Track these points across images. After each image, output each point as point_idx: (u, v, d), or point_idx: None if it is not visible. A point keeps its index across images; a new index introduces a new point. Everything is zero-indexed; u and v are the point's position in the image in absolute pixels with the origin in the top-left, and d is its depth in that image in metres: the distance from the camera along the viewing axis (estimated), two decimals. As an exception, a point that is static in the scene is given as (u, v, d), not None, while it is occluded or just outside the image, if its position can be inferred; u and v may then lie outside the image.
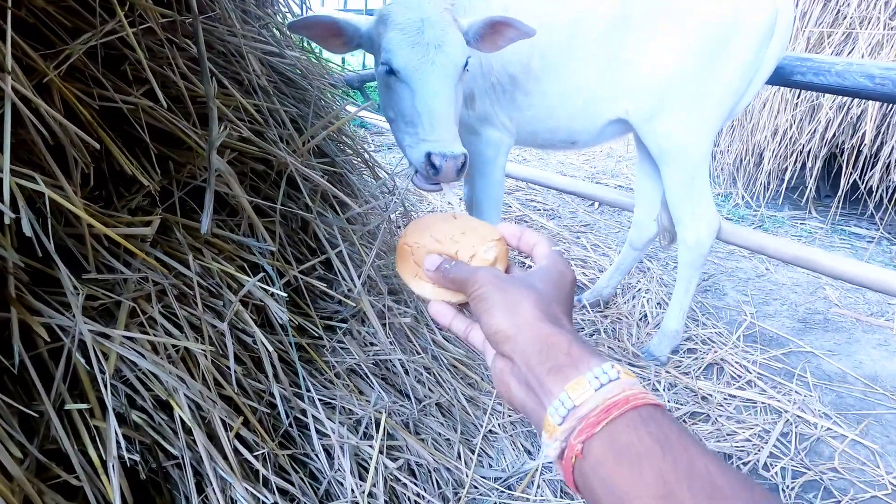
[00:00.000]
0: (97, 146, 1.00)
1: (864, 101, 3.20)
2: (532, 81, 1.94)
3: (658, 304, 2.70)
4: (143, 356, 1.05)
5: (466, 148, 2.20)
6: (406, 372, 1.71)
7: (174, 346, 1.10)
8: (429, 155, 1.31)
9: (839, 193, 3.52)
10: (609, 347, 2.29)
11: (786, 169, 3.77)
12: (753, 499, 0.39)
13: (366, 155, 2.19)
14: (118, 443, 0.98)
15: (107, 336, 1.03)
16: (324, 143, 2.03)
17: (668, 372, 2.23)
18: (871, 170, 3.46)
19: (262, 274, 1.25)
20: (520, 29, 1.52)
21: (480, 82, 1.97)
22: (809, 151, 3.54)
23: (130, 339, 1.05)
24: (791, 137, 3.59)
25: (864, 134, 3.28)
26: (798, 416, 2.04)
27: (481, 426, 1.78)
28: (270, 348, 1.23)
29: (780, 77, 1.94)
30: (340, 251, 1.64)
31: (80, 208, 0.96)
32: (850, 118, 3.38)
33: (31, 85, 0.92)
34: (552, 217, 3.78)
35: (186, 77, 1.21)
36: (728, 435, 1.94)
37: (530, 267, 0.65)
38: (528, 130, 2.07)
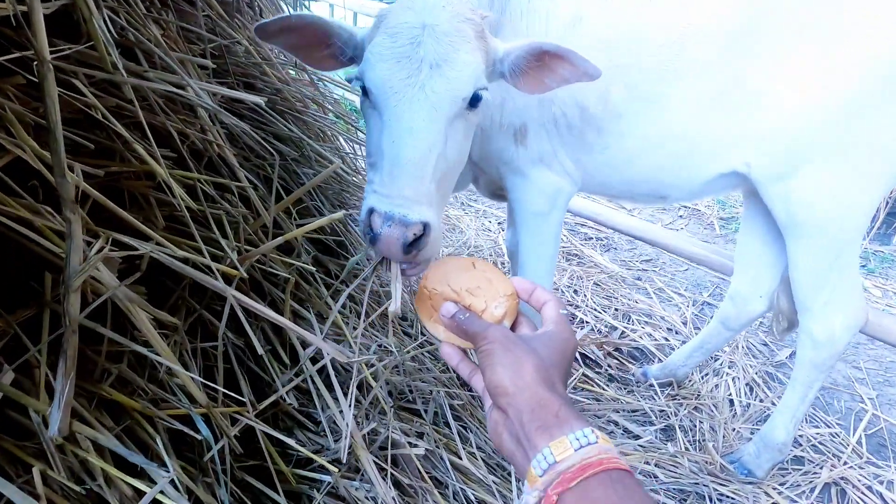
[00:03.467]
0: None
1: None
2: (610, 117, 1.40)
3: (748, 385, 2.12)
4: None
5: (511, 194, 1.70)
6: (417, 532, 1.23)
7: None
8: (370, 211, 0.93)
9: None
10: (691, 461, 1.74)
11: (898, 195, 3.08)
12: None
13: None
14: None
15: None
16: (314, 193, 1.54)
17: (767, 495, 1.68)
18: None
19: (165, 482, 0.77)
20: (579, 67, 1.05)
21: (537, 112, 1.45)
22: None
23: None
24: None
25: None
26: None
27: None
28: None
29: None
30: (325, 368, 1.16)
31: None
32: None
33: None
34: (606, 249, 3.21)
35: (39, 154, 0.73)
36: None
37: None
38: (599, 179, 1.54)
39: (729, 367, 2.19)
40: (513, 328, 0.73)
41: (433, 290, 0.76)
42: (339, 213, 0.90)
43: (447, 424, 1.55)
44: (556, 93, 1.44)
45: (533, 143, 1.50)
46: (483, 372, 0.64)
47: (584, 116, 1.44)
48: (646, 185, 1.51)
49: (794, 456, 1.82)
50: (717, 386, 2.10)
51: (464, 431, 1.60)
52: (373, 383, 1.26)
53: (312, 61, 1.12)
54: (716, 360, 2.22)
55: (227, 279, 1.00)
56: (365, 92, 1.02)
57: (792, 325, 1.67)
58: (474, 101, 1.02)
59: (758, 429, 1.90)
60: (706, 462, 1.75)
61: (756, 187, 1.38)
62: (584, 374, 2.12)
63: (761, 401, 2.03)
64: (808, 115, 1.25)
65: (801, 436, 1.88)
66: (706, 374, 2.17)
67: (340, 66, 1.12)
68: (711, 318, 2.55)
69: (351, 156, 1.82)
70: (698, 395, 2.05)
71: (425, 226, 0.92)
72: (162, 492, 0.79)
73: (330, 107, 1.65)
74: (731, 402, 2.04)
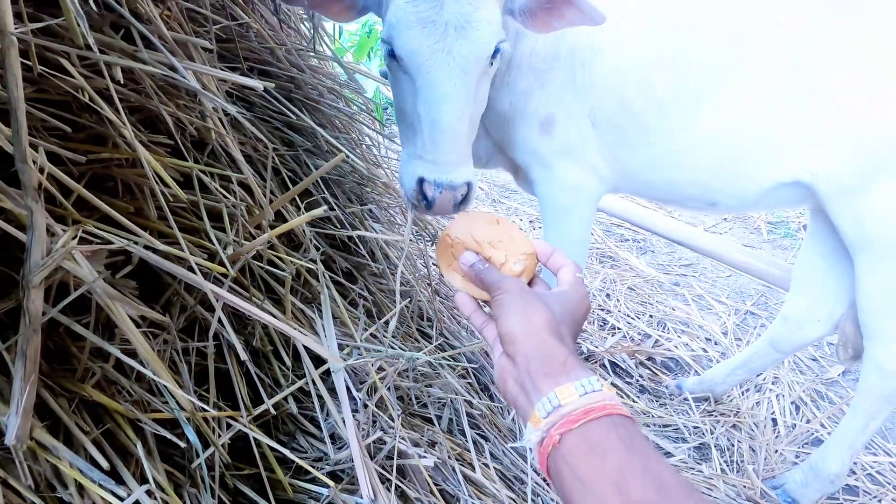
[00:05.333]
0: None
1: None
2: (654, 113, 1.29)
3: (794, 403, 1.95)
4: None
5: (535, 186, 1.59)
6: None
7: None
8: (421, 181, 1.06)
9: None
10: (727, 484, 1.60)
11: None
12: (693, 496, 0.46)
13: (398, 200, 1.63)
14: None
15: None
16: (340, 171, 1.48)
17: (814, 527, 1.53)
18: None
19: (140, 492, 0.71)
20: (585, 12, 1.07)
21: (570, 101, 1.35)
22: None
23: None
24: None
25: None
26: None
27: None
28: None
29: None
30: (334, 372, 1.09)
31: None
32: None
33: None
34: (643, 252, 3.05)
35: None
36: None
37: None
38: (642, 179, 1.43)
39: (773, 384, 2.03)
40: (528, 287, 0.73)
41: (456, 239, 0.77)
42: (320, 210, 0.83)
43: (462, 433, 1.47)
44: (595, 84, 1.34)
45: (560, 134, 1.40)
46: (496, 320, 0.65)
47: (624, 111, 1.33)
48: (693, 188, 1.39)
49: (847, 485, 1.66)
50: (758, 403, 1.95)
51: (481, 441, 1.52)
52: (380, 386, 1.19)
53: (333, 15, 1.15)
54: (758, 375, 2.06)
55: (223, 275, 0.94)
56: (392, 55, 1.06)
57: (858, 354, 1.51)
58: (493, 54, 1.05)
59: (804, 452, 1.75)
60: (745, 486, 1.61)
61: (821, 199, 1.24)
62: (613, 384, 1.99)
63: (808, 422, 1.87)
64: (891, 122, 1.11)
65: (855, 463, 1.72)
66: (747, 390, 2.01)
67: (355, 17, 1.16)
68: (754, 329, 2.39)
69: (371, 147, 1.75)
70: (737, 413, 1.90)
71: (468, 185, 1.06)
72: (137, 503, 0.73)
73: (350, 95, 1.58)
74: (775, 421, 1.89)
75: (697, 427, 1.83)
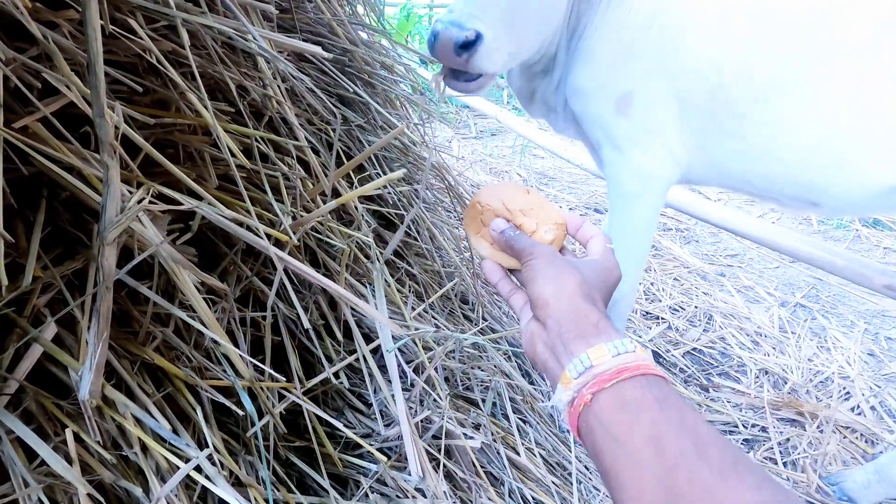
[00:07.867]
0: None
1: None
2: (753, 102, 1.21)
3: (865, 395, 1.87)
4: None
5: (604, 168, 1.45)
6: (468, 531, 1.13)
7: None
8: (436, 34, 1.07)
9: None
10: (779, 477, 1.54)
11: None
12: (730, 449, 0.44)
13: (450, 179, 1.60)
14: None
15: None
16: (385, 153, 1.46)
17: (872, 530, 1.46)
18: None
19: (202, 457, 0.70)
20: None
21: (654, 81, 1.28)
22: None
23: None
24: None
25: None
26: None
27: None
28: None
29: None
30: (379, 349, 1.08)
31: None
32: None
33: None
34: (687, 241, 2.96)
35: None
36: None
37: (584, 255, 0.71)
38: (735, 171, 1.33)
39: (840, 376, 1.94)
40: None
41: (486, 206, 0.76)
42: (399, 172, 0.81)
43: (506, 417, 1.45)
44: (687, 65, 1.26)
45: (638, 115, 1.32)
46: (526, 285, 0.65)
47: (717, 97, 1.24)
48: (794, 185, 1.28)
49: (907, 488, 1.57)
50: (819, 399, 1.87)
51: (523, 425, 1.49)
52: (428, 366, 1.17)
53: None
54: (824, 364, 1.98)
55: (280, 246, 0.93)
56: None
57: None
58: None
59: (862, 450, 1.68)
60: (804, 483, 1.55)
61: None
62: (657, 375, 1.94)
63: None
64: None
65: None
66: (809, 382, 1.93)
67: None
68: (804, 321, 2.29)
69: (420, 125, 1.72)
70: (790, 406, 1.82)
71: (478, 35, 1.01)
72: (198, 468, 0.73)
73: (401, 72, 1.56)
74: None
75: (749, 419, 1.77)
